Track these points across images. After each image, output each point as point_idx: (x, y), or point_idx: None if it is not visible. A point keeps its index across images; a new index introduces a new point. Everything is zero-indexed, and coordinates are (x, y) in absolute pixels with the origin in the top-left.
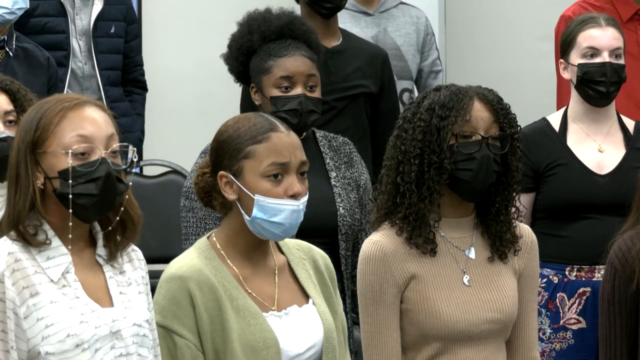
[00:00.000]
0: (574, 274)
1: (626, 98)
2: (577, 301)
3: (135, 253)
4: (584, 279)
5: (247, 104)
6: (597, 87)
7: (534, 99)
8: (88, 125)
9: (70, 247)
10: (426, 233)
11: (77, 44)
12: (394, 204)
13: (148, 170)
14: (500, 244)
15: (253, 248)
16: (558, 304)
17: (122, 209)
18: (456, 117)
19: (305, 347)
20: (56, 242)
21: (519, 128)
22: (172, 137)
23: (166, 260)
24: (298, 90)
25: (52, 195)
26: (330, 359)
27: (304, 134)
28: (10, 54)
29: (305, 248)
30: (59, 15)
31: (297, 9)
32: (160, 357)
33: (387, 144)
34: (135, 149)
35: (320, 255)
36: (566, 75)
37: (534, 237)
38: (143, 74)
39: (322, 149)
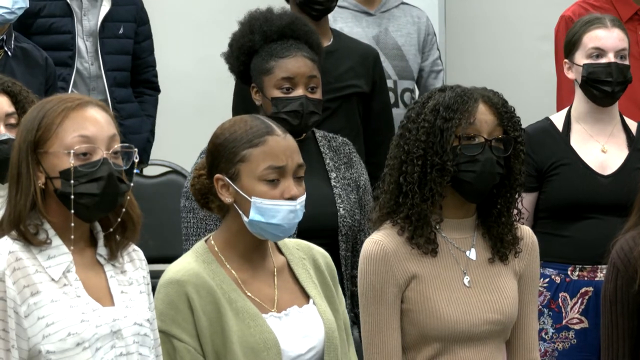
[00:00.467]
0: (577, 273)
1: (627, 99)
2: (579, 301)
3: (136, 253)
4: (586, 278)
5: (239, 105)
6: (603, 87)
7: (533, 99)
8: (90, 126)
9: (72, 247)
10: (427, 233)
11: (84, 45)
12: (396, 203)
13: (148, 170)
14: (501, 246)
15: (252, 250)
16: (560, 304)
17: (123, 209)
18: (460, 119)
19: (307, 347)
20: (57, 241)
21: (522, 131)
22: (172, 137)
23: (166, 260)
24: (299, 92)
25: (53, 195)
26: (332, 358)
27: (304, 134)
28: (9, 53)
29: (305, 247)
30: (65, 15)
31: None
32: (161, 357)
33: (385, 149)
34: (136, 150)
35: (321, 254)
36: (570, 75)
37: (534, 238)
38: (155, 75)
39: (322, 149)
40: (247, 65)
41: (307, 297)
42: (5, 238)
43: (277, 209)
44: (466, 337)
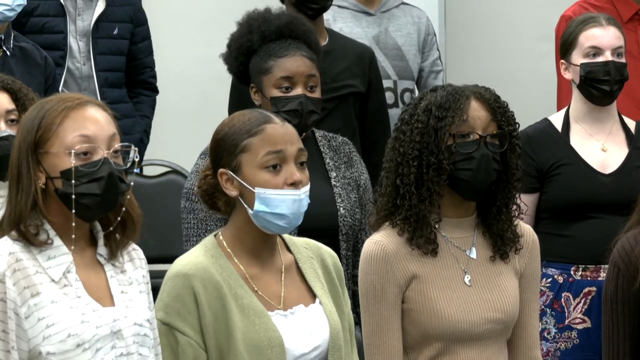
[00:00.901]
0: (579, 273)
1: (626, 98)
2: (582, 301)
3: (136, 252)
4: (589, 278)
5: (235, 104)
6: (601, 86)
7: (533, 98)
8: (90, 125)
9: (73, 247)
10: (427, 233)
11: (77, 45)
12: (394, 205)
13: (148, 170)
14: (502, 243)
15: (260, 245)
16: (563, 304)
17: (123, 209)
18: (453, 117)
19: (311, 346)
20: (57, 241)
21: (517, 125)
22: (172, 137)
23: (166, 260)
24: (298, 91)
25: (53, 195)
26: (335, 358)
27: (304, 134)
28: (8, 53)
29: (313, 247)
30: (59, 15)
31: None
32: (160, 356)
33: (381, 149)
34: (136, 149)
35: (329, 254)
36: (567, 75)
37: (535, 236)
38: (153, 76)
39: (322, 149)
40: (246, 65)
41: (313, 296)
42: (6, 239)
43: (281, 198)
44: (468, 337)
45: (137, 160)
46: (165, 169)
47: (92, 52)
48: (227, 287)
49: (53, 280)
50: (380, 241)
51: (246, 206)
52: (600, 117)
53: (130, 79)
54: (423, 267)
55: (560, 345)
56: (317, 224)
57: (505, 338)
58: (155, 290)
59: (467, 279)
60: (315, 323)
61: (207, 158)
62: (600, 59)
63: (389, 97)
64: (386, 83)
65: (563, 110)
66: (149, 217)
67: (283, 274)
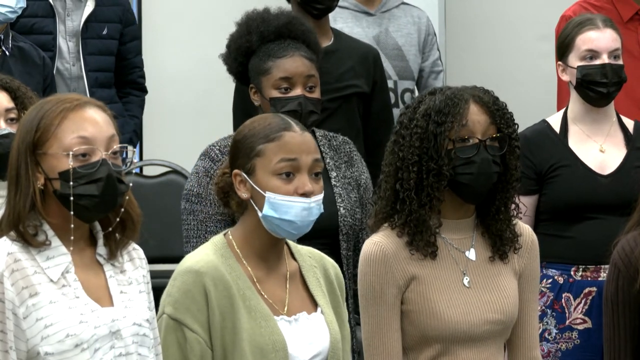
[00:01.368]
0: (580, 274)
1: (626, 98)
2: (582, 301)
3: (136, 252)
4: (589, 278)
5: (239, 103)
6: (598, 88)
7: (533, 99)
8: (89, 127)
9: (71, 248)
10: (427, 237)
11: (67, 45)
12: (393, 209)
13: (148, 170)
14: (501, 243)
15: (268, 249)
16: (564, 304)
17: (122, 209)
18: (452, 122)
19: (311, 354)
20: (56, 242)
21: (516, 127)
22: (172, 137)
23: (166, 260)
24: (297, 91)
25: (52, 195)
26: None
27: None
28: (7, 53)
29: (317, 256)
30: (48, 16)
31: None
32: (161, 356)
33: (385, 149)
34: (134, 149)
35: (332, 264)
36: (565, 77)
37: (534, 236)
38: (142, 76)
39: (322, 149)
40: (245, 66)
41: (315, 304)
42: (4, 239)
43: (290, 204)
44: (467, 338)
45: (134, 160)
46: (165, 169)
47: (82, 53)
48: (236, 287)
49: (51, 281)
50: (379, 242)
51: (257, 208)
52: (598, 118)
53: (119, 79)
54: (422, 268)
55: (561, 345)
56: (318, 223)
57: (504, 339)
58: (155, 290)
59: (466, 281)
60: (317, 331)
61: (207, 157)
62: (597, 61)
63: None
64: None
65: (561, 112)
66: (149, 217)
67: (288, 280)
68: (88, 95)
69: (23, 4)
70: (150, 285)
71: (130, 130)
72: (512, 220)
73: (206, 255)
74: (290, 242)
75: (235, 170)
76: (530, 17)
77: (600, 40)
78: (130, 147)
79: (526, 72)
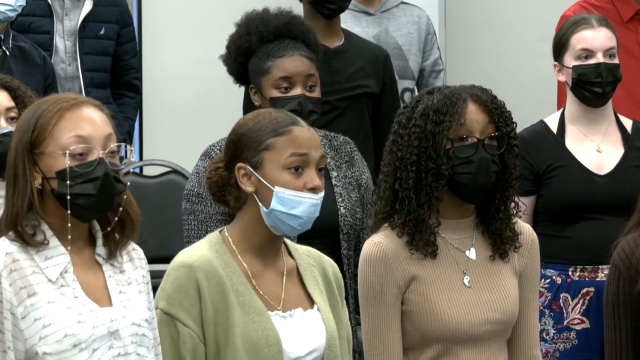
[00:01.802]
0: (577, 274)
1: (627, 98)
2: (580, 301)
3: (136, 252)
4: (587, 279)
5: (249, 105)
6: (593, 88)
7: (533, 99)
8: (86, 126)
9: (69, 247)
10: (427, 236)
11: (64, 45)
12: (392, 209)
13: (148, 170)
14: (501, 242)
15: (266, 245)
16: (562, 305)
17: (121, 208)
18: (450, 121)
19: (307, 350)
20: (54, 242)
21: (514, 125)
22: (172, 137)
23: (166, 260)
24: (297, 91)
25: (50, 195)
26: None
27: None
28: (7, 53)
29: (315, 255)
30: (45, 15)
31: (296, 9)
32: (161, 356)
33: (384, 149)
34: (132, 148)
35: (330, 263)
36: (561, 77)
37: (534, 235)
38: (138, 78)
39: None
40: (245, 66)
41: (312, 302)
42: (3, 239)
43: (299, 200)
44: (468, 338)
45: (132, 160)
46: (165, 169)
47: (79, 52)
48: (229, 282)
49: (50, 281)
50: (379, 242)
51: (260, 204)
52: (595, 118)
53: (114, 80)
54: (422, 268)
55: (559, 346)
56: (318, 223)
57: (505, 338)
58: (155, 290)
59: (466, 280)
60: (313, 328)
61: (208, 157)
62: (591, 61)
63: None
64: None
65: (559, 112)
66: (149, 217)
67: (284, 277)
68: (84, 95)
69: (23, 2)
70: (150, 286)
71: (124, 131)
72: (512, 219)
73: (200, 251)
74: (288, 241)
75: (240, 164)
76: (530, 17)
77: (595, 39)
78: (128, 146)
79: (526, 72)
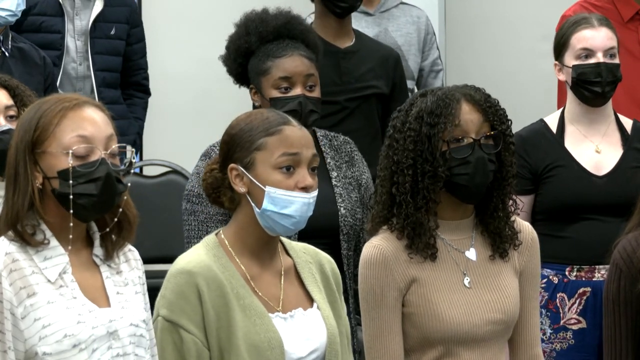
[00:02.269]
0: (574, 274)
1: (627, 98)
2: (577, 301)
3: (131, 253)
4: (584, 279)
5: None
6: (592, 87)
7: (533, 99)
8: (88, 126)
9: (70, 247)
10: (426, 239)
11: (74, 44)
12: (390, 213)
13: (148, 170)
14: (500, 241)
15: (262, 245)
16: (558, 304)
17: (120, 209)
18: (445, 123)
19: (308, 350)
20: (54, 242)
21: (509, 123)
22: (172, 137)
23: (165, 260)
24: (297, 91)
25: (50, 195)
26: None
27: None
28: (7, 54)
29: (312, 252)
30: (56, 15)
31: (296, 9)
32: (157, 357)
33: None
34: (133, 150)
35: (327, 259)
36: (561, 77)
37: (534, 233)
38: (146, 78)
39: (323, 149)
40: (244, 67)
41: (311, 300)
42: (2, 239)
43: (291, 199)
44: (469, 339)
45: (134, 161)
46: (165, 169)
47: (90, 52)
48: (229, 286)
49: (49, 281)
50: (379, 245)
51: (253, 204)
52: (594, 118)
53: (123, 80)
54: (423, 270)
55: (556, 345)
56: (318, 223)
57: (506, 338)
58: (154, 290)
59: (466, 281)
60: (313, 327)
61: (208, 157)
62: (591, 60)
63: None
64: None
65: (558, 112)
66: (149, 217)
67: (282, 277)
68: (95, 95)
69: (23, 7)
70: (145, 287)
71: (134, 132)
72: (511, 217)
73: (198, 256)
74: (284, 239)
75: (232, 165)
76: (530, 17)
77: (595, 38)
78: (129, 147)
79: (526, 72)
